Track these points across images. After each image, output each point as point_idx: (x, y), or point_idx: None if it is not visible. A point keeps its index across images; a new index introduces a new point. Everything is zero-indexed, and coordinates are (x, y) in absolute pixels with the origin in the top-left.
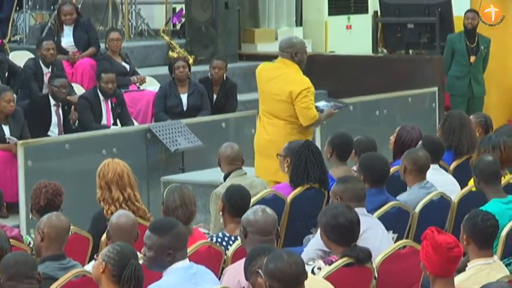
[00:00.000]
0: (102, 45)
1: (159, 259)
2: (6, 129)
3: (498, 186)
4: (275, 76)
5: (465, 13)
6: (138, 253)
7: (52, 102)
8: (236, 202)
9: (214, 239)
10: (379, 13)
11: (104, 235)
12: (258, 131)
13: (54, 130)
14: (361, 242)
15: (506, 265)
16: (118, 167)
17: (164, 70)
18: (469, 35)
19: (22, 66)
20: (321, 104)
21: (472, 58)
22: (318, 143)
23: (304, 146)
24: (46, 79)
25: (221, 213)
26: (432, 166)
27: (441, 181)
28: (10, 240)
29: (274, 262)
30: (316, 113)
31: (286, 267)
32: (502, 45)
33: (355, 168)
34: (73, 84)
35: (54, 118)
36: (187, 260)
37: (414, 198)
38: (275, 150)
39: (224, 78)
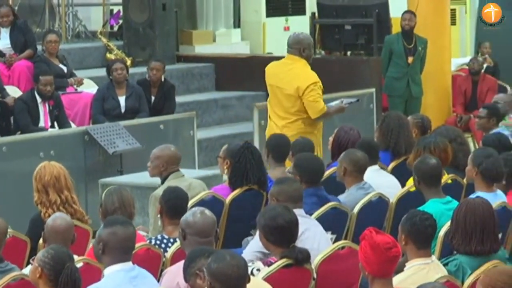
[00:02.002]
0: (39, 47)
1: (95, 249)
2: None
3: (438, 188)
4: (283, 71)
5: (402, 14)
6: (75, 255)
7: None
8: (173, 203)
9: (153, 241)
10: (316, 15)
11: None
12: (269, 128)
13: None
14: (300, 243)
15: (444, 265)
16: (54, 170)
17: (102, 72)
18: (406, 36)
19: None
20: (335, 102)
21: (410, 59)
22: (256, 145)
23: (244, 148)
24: None
25: (159, 215)
26: (373, 167)
27: (384, 183)
28: None
29: (217, 263)
30: (323, 105)
31: (228, 269)
32: (439, 46)
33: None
34: (10, 87)
35: None
36: (129, 262)
37: (352, 199)
38: None
39: (162, 79)
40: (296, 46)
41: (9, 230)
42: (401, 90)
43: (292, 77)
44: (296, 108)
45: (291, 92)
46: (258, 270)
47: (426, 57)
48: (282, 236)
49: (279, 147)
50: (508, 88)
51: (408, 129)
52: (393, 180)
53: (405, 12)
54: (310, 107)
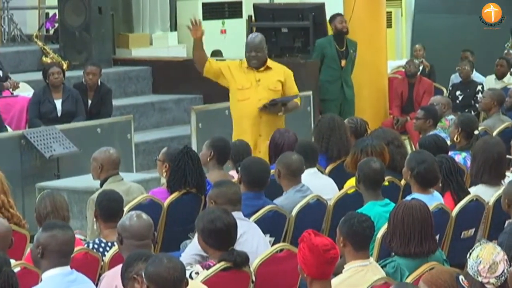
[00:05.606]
0: None
1: (34, 253)
2: None
3: (377, 191)
4: None
5: (336, 17)
6: (13, 260)
7: None
8: (106, 206)
9: (91, 245)
10: (253, 18)
11: None
12: None
13: None
14: (239, 246)
15: (382, 267)
16: None
17: (38, 75)
18: (338, 39)
19: None
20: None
21: (343, 62)
22: (194, 147)
23: (183, 152)
24: None
25: (95, 219)
26: (310, 170)
27: (321, 186)
28: None
29: (154, 266)
30: None
31: (165, 271)
32: (375, 49)
33: (231, 172)
34: None
35: None
36: (67, 267)
37: (290, 202)
38: None
39: (99, 83)
40: None
41: None
42: (336, 94)
43: None
44: None
45: None
46: (197, 273)
47: (356, 60)
48: (221, 239)
49: (225, 149)
50: (444, 90)
51: (341, 132)
52: (330, 183)
53: (339, 15)
54: None
